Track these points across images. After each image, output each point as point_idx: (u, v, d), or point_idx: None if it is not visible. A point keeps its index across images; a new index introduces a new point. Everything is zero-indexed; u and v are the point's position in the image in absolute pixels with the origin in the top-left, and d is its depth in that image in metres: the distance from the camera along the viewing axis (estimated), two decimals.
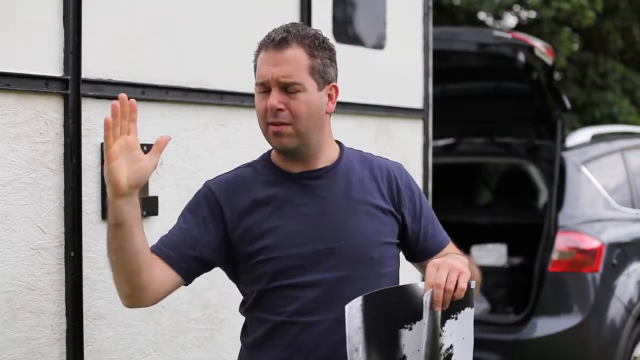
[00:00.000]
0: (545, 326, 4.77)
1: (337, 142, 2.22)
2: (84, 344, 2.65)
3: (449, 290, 1.92)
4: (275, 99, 2.02)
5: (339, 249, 2.06)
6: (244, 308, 2.17)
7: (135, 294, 2.02)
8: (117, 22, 2.78)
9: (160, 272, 2.04)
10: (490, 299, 5.44)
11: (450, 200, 6.20)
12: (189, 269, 2.08)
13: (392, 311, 1.96)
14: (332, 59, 2.12)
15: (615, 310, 4.76)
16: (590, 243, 4.81)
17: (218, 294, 3.08)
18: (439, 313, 1.93)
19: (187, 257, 2.07)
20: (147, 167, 1.93)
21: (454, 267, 1.94)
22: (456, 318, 1.98)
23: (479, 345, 5.11)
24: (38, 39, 2.56)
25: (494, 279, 5.58)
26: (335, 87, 2.13)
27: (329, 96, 2.11)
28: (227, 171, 2.21)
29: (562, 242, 4.83)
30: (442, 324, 1.96)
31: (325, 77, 2.08)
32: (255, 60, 2.11)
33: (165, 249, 2.07)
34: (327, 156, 2.15)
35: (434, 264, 1.97)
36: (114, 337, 2.76)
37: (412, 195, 2.21)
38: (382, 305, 1.94)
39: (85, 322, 2.65)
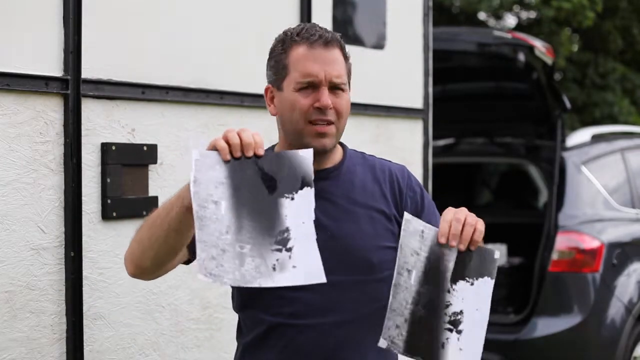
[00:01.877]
0: (545, 326, 4.77)
1: (340, 142, 2.21)
2: (84, 344, 2.64)
3: (470, 224, 1.89)
4: (328, 97, 2.03)
5: (337, 252, 2.04)
6: (238, 306, 2.15)
7: (152, 269, 2.03)
8: (117, 22, 2.78)
9: None
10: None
11: (450, 200, 6.20)
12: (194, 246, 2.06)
13: (270, 177, 1.81)
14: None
15: (615, 310, 4.76)
16: (590, 243, 4.81)
17: (218, 294, 3.08)
18: (452, 259, 1.86)
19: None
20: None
21: (470, 214, 1.93)
22: (472, 283, 1.89)
23: None
24: (38, 39, 2.56)
25: None
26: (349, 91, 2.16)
27: None
28: None
29: (562, 242, 4.83)
30: (454, 281, 1.88)
31: (349, 80, 2.12)
32: (282, 57, 2.06)
33: None
34: (333, 157, 2.14)
35: (449, 209, 1.94)
36: (114, 337, 2.76)
37: (414, 196, 2.18)
38: (253, 166, 1.80)
39: (85, 322, 2.65)
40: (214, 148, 1.81)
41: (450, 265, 1.88)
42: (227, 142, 1.80)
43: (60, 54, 2.61)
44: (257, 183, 1.81)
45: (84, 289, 2.64)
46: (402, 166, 2.25)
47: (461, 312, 1.88)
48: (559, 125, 5.31)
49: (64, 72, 2.61)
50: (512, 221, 6.14)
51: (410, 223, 1.88)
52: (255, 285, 1.78)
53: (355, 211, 2.09)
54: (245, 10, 3.25)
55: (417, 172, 4.15)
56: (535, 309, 4.82)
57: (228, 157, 1.79)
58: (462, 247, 1.89)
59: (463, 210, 1.93)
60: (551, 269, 4.80)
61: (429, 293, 1.87)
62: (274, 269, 1.79)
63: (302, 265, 1.80)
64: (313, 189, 1.83)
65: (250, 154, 1.81)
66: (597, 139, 5.62)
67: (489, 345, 5.10)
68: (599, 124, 11.63)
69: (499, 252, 1.93)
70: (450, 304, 1.87)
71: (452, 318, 1.87)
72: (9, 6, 2.47)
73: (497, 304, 5.47)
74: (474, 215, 1.93)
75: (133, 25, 2.83)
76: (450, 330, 1.87)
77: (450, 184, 6.36)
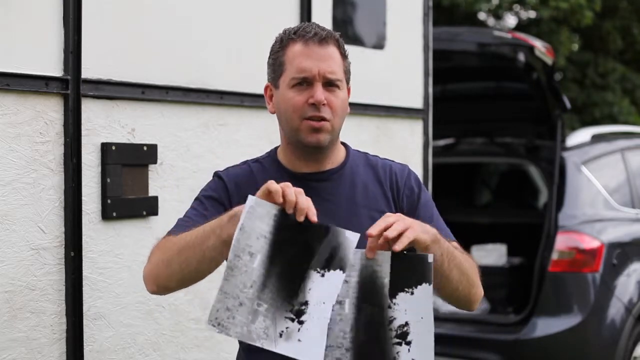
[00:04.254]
0: (545, 326, 4.76)
1: (343, 143, 2.21)
2: (84, 344, 2.65)
3: (385, 237, 1.81)
4: (321, 93, 2.02)
5: None
6: None
7: (175, 289, 2.09)
8: (117, 22, 2.78)
9: None
10: (490, 299, 5.44)
11: (450, 200, 6.20)
12: None
13: (310, 247, 1.82)
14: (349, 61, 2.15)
15: (615, 310, 4.76)
16: (590, 243, 4.81)
17: None
18: (386, 274, 1.82)
19: None
20: None
21: (404, 220, 1.85)
22: (412, 293, 1.85)
23: (479, 345, 5.12)
24: (38, 39, 2.56)
25: (494, 279, 5.58)
26: (349, 90, 2.15)
27: None
28: (235, 164, 2.21)
29: (562, 242, 4.83)
30: (393, 296, 1.85)
31: (347, 77, 2.12)
32: (280, 54, 2.08)
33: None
34: (335, 158, 2.14)
35: (386, 214, 1.88)
36: (114, 337, 2.76)
37: (411, 195, 2.17)
38: (300, 231, 1.80)
39: (85, 322, 2.65)
40: (267, 191, 1.81)
41: (386, 281, 1.86)
42: (284, 196, 1.80)
43: (60, 54, 2.61)
44: (296, 247, 1.82)
45: (84, 289, 2.64)
46: (404, 166, 2.24)
47: (406, 323, 1.86)
48: (559, 125, 5.30)
49: (64, 72, 2.61)
50: (512, 221, 6.14)
51: (260, 206, 1.80)
52: (257, 344, 1.80)
53: (356, 212, 2.09)
54: (245, 11, 3.25)
55: (417, 172, 4.13)
56: (535, 309, 4.81)
57: (280, 199, 1.79)
58: (370, 256, 1.83)
59: (393, 217, 1.86)
60: (551, 269, 4.79)
61: (368, 315, 1.85)
62: (280, 335, 1.80)
63: (307, 342, 1.80)
64: (345, 274, 1.83)
65: (301, 218, 1.81)
66: (597, 139, 5.61)
67: (489, 345, 5.12)
68: (599, 124, 11.63)
69: (432, 256, 1.86)
70: (394, 318, 1.86)
71: (399, 331, 1.86)
72: (9, 6, 2.47)
73: (497, 304, 5.47)
74: (407, 221, 1.85)
75: (133, 25, 2.83)
76: (400, 344, 1.86)
77: (450, 184, 6.36)
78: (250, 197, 1.79)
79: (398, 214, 1.90)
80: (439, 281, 1.96)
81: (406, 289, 1.86)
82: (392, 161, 2.25)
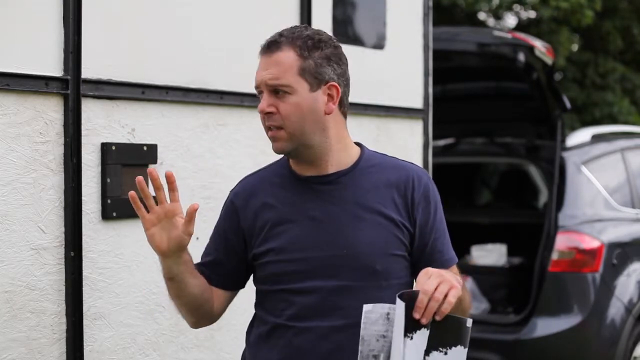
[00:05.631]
0: (545, 326, 4.76)
1: (359, 144, 2.18)
2: (84, 344, 2.65)
3: (436, 299, 1.79)
4: (265, 102, 2.02)
5: (340, 257, 2.03)
6: (255, 303, 2.20)
7: (199, 321, 2.23)
8: (117, 22, 2.78)
9: (212, 294, 2.19)
10: (490, 299, 5.44)
11: (450, 200, 6.20)
12: (236, 280, 2.22)
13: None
14: (331, 58, 2.05)
15: (615, 310, 4.76)
16: (590, 243, 4.81)
17: None
18: (425, 333, 1.81)
19: (231, 272, 2.19)
20: (182, 237, 2.01)
21: (446, 279, 1.83)
22: (445, 353, 1.84)
23: (479, 345, 5.12)
24: (38, 39, 2.56)
25: (494, 279, 5.58)
26: (336, 87, 2.05)
27: (329, 96, 2.05)
28: (253, 171, 2.26)
29: (562, 242, 4.83)
30: (427, 353, 1.83)
31: (319, 77, 2.03)
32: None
33: (210, 273, 2.18)
34: (340, 160, 2.10)
35: (426, 271, 1.86)
36: (114, 337, 2.76)
37: (427, 206, 2.10)
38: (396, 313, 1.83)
39: (85, 322, 2.65)
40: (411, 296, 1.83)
41: (423, 335, 1.83)
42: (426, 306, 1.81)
43: (60, 54, 2.61)
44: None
45: (84, 289, 2.65)
46: (422, 172, 2.16)
47: None
48: (559, 125, 5.30)
49: (64, 72, 2.61)
50: (512, 221, 6.13)
51: (372, 312, 1.84)
52: None
53: (362, 216, 2.06)
54: (245, 11, 3.25)
55: None
56: (535, 309, 4.81)
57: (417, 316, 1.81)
58: (424, 321, 1.81)
59: (435, 278, 1.84)
60: (551, 269, 4.79)
61: None
62: None
63: None
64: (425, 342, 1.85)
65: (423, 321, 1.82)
66: (597, 139, 5.61)
67: (489, 345, 5.12)
68: (599, 124, 11.62)
69: (471, 320, 1.85)
70: None
71: None
72: (9, 6, 2.47)
73: (497, 304, 5.47)
74: (448, 280, 1.83)
75: (133, 25, 2.83)
76: None
77: (450, 184, 6.36)
78: (365, 306, 1.84)
79: (437, 270, 1.87)
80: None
81: (440, 349, 1.84)
82: (411, 164, 2.18)
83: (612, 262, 4.83)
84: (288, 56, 2.01)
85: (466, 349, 1.86)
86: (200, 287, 2.12)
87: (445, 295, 1.81)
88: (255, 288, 2.19)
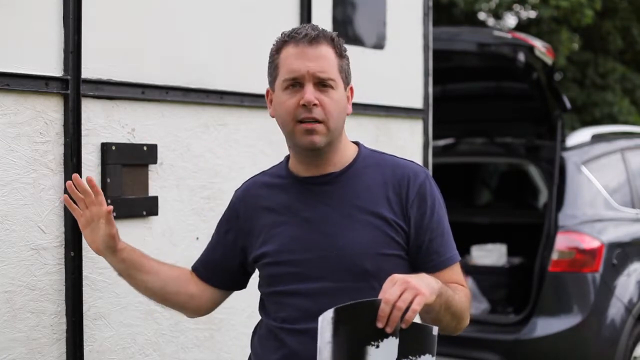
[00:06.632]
0: (545, 326, 4.77)
1: (357, 143, 2.17)
2: (84, 344, 2.65)
3: (398, 308, 1.75)
4: (312, 93, 1.99)
5: (330, 258, 2.02)
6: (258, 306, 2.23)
7: (181, 310, 2.33)
8: (117, 22, 2.78)
9: (197, 288, 2.25)
10: (490, 299, 5.44)
11: (450, 200, 6.19)
12: (224, 280, 2.26)
13: (363, 326, 1.78)
14: (349, 61, 2.11)
15: (615, 310, 4.76)
16: (590, 243, 4.81)
17: None
18: (394, 342, 1.78)
19: (220, 271, 2.24)
20: (105, 238, 2.21)
21: (411, 286, 1.78)
22: None
23: (479, 345, 5.12)
24: (38, 39, 2.56)
25: (494, 279, 5.58)
26: (352, 89, 2.12)
27: (347, 98, 2.10)
28: (256, 173, 2.27)
29: (562, 242, 4.83)
30: None
31: (348, 77, 2.09)
32: (275, 58, 2.08)
33: (200, 267, 2.28)
34: (340, 159, 2.10)
35: (392, 278, 1.81)
36: (114, 337, 2.76)
37: (423, 204, 2.06)
38: (353, 318, 1.78)
39: (85, 322, 2.65)
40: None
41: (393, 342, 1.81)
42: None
43: (60, 54, 2.61)
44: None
45: (84, 289, 2.64)
46: (420, 169, 2.13)
47: None
48: (559, 125, 5.31)
49: (64, 72, 2.61)
50: (512, 221, 6.14)
51: (323, 320, 1.78)
52: None
53: (354, 216, 2.05)
54: (245, 11, 3.25)
55: None
56: (535, 309, 4.82)
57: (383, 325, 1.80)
58: (389, 330, 1.77)
59: (399, 285, 1.79)
60: (551, 269, 4.80)
61: None
62: None
63: None
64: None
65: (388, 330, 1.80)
66: (597, 139, 5.61)
67: (489, 345, 5.12)
68: (599, 124, 11.63)
69: (436, 328, 1.83)
70: None
71: None
72: (9, 6, 2.47)
73: (497, 304, 5.47)
74: (414, 287, 1.78)
75: (133, 25, 2.83)
76: None
77: (450, 184, 6.36)
78: (319, 318, 1.78)
79: (403, 276, 1.81)
80: (430, 320, 1.93)
81: (410, 357, 1.82)
82: (410, 162, 2.15)
83: (612, 262, 4.83)
84: (329, 51, 2.04)
85: (434, 358, 1.85)
86: (160, 282, 2.21)
87: (411, 303, 1.77)
88: (261, 292, 2.21)
